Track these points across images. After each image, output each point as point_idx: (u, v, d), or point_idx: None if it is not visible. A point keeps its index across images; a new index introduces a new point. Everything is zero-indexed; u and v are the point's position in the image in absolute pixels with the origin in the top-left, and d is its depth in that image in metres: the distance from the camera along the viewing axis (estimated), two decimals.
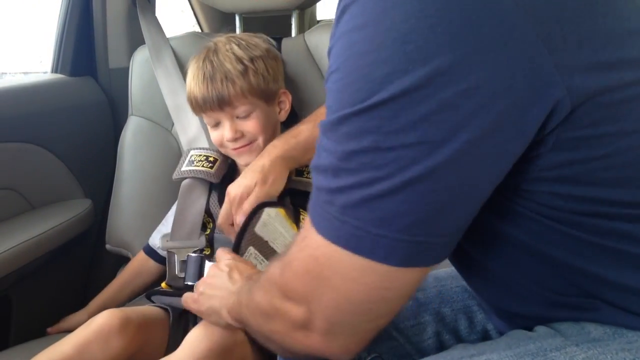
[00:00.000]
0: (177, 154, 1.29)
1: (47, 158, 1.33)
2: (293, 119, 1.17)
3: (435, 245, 0.49)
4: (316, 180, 0.51)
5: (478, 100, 0.44)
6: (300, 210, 1.05)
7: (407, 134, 0.45)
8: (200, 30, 1.88)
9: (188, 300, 0.88)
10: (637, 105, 0.48)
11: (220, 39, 1.12)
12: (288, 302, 0.54)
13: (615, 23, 0.48)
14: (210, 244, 1.13)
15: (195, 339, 0.89)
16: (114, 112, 1.49)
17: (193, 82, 1.10)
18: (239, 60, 1.07)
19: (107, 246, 1.32)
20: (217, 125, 1.09)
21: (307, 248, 0.51)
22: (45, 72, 1.50)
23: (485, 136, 0.45)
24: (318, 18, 2.13)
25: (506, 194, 0.51)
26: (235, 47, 1.09)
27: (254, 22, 1.47)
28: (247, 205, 0.97)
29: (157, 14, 1.46)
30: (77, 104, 1.42)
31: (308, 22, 1.98)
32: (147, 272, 1.22)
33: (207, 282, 0.84)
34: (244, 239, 0.98)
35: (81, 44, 1.45)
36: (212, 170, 1.15)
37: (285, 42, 1.32)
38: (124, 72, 1.40)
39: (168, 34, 1.41)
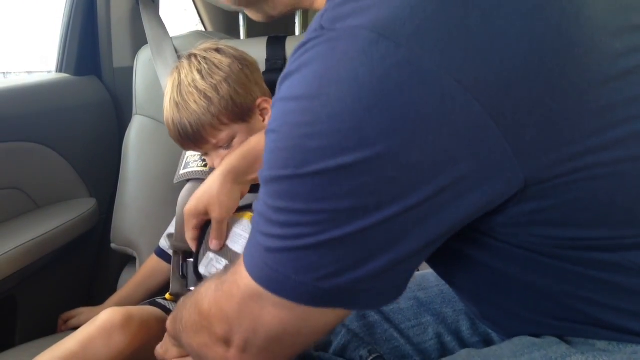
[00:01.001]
0: (181, 153, 1.29)
1: (52, 157, 1.34)
2: None
3: (361, 293, 0.49)
4: (253, 219, 0.52)
5: (416, 176, 0.44)
6: None
7: (341, 201, 0.45)
8: (203, 29, 1.89)
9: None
10: (609, 148, 0.46)
11: (184, 65, 1.08)
12: (212, 318, 0.56)
13: (576, 77, 0.45)
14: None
15: None
16: (119, 111, 1.49)
17: (166, 120, 1.09)
18: (202, 93, 1.04)
19: (112, 245, 1.33)
20: (205, 154, 1.10)
21: (236, 275, 0.53)
22: (50, 72, 1.50)
23: (420, 205, 0.45)
24: None
25: (482, 233, 0.51)
26: (197, 77, 1.06)
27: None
28: (215, 234, 1.00)
29: (161, 13, 1.46)
30: (82, 104, 1.42)
31: (311, 20, 1.98)
32: (160, 273, 1.22)
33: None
34: (202, 246, 1.02)
35: (85, 43, 1.45)
36: (207, 169, 1.15)
37: (289, 40, 1.31)
38: (128, 72, 1.41)
39: (172, 33, 1.41)
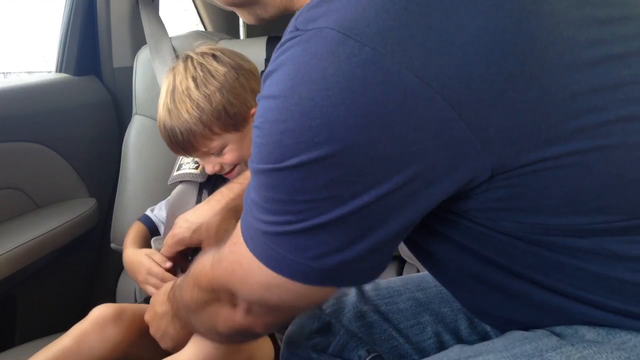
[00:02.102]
0: None
1: (52, 157, 1.34)
2: None
3: (349, 271, 0.54)
4: (245, 203, 0.57)
5: (387, 165, 0.47)
6: None
7: (319, 192, 0.49)
8: (203, 29, 1.89)
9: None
10: (574, 138, 0.48)
11: (179, 70, 1.08)
12: (218, 288, 0.61)
13: (537, 70, 0.47)
14: None
15: (202, 339, 0.90)
16: (118, 111, 1.49)
17: (159, 125, 1.09)
18: (194, 102, 1.04)
19: (112, 245, 1.33)
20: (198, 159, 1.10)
21: (235, 254, 0.58)
22: (50, 72, 1.51)
23: (393, 192, 0.48)
24: None
25: (459, 215, 0.54)
26: (192, 85, 1.05)
27: None
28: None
29: (160, 13, 1.46)
30: (81, 104, 1.42)
31: None
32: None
33: (150, 313, 0.89)
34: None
35: (85, 43, 1.45)
36: (197, 171, 1.16)
37: None
38: (128, 72, 1.41)
39: (172, 33, 1.41)
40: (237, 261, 0.58)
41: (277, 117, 0.49)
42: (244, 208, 0.57)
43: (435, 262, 0.59)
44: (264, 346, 0.99)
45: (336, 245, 0.51)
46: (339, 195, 0.49)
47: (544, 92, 0.47)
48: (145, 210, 1.22)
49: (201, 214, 1.01)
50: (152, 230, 1.17)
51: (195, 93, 1.04)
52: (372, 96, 0.45)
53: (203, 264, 0.65)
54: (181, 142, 1.05)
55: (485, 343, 0.58)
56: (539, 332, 0.55)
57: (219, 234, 0.99)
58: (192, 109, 1.03)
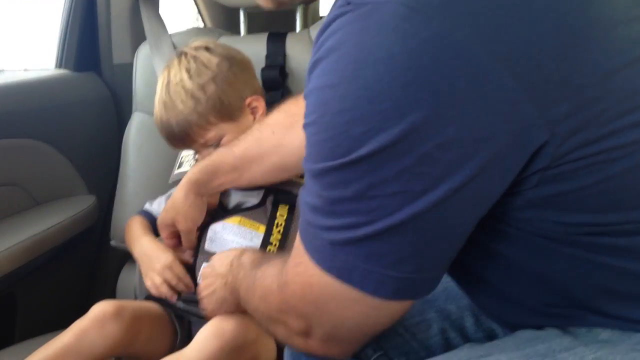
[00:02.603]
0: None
1: (51, 154, 1.33)
2: None
3: (422, 280, 0.51)
4: (305, 213, 0.53)
5: (457, 153, 0.45)
6: (280, 205, 1.06)
7: (389, 185, 0.46)
8: (203, 26, 1.88)
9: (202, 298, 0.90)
10: (627, 132, 0.47)
11: (174, 64, 1.09)
12: (287, 315, 0.57)
13: (600, 58, 0.46)
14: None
15: (206, 337, 0.90)
16: (118, 108, 1.48)
17: (155, 118, 1.10)
18: (189, 93, 1.04)
19: (112, 242, 1.32)
20: (195, 152, 1.10)
21: (302, 274, 0.54)
22: (46, 70, 1.49)
23: (466, 185, 0.46)
24: (321, 14, 2.12)
25: (496, 218, 0.52)
26: (185, 77, 1.06)
27: (258, 17, 1.46)
28: (184, 244, 1.04)
29: (161, 9, 1.45)
30: (81, 100, 1.41)
31: (311, 17, 1.97)
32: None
33: (205, 284, 0.88)
34: (198, 260, 1.05)
35: (85, 39, 1.44)
36: None
37: (289, 37, 1.31)
38: (128, 68, 1.40)
39: (172, 29, 1.40)
40: (306, 282, 0.53)
41: (340, 106, 0.45)
42: (302, 219, 0.53)
43: (454, 262, 0.56)
44: (268, 345, 0.98)
45: (411, 250, 0.48)
46: (409, 190, 0.46)
47: (607, 81, 0.45)
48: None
49: (172, 196, 1.03)
50: (154, 225, 1.17)
51: (189, 84, 1.05)
52: (443, 74, 0.43)
53: (271, 281, 0.60)
54: (178, 134, 1.06)
55: (495, 343, 0.57)
56: (551, 331, 0.54)
57: (185, 208, 0.99)
58: (187, 99, 1.04)
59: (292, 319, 0.57)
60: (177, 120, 1.05)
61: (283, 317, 0.58)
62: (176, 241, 1.05)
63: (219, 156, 0.98)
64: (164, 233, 1.05)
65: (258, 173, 0.95)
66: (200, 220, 1.03)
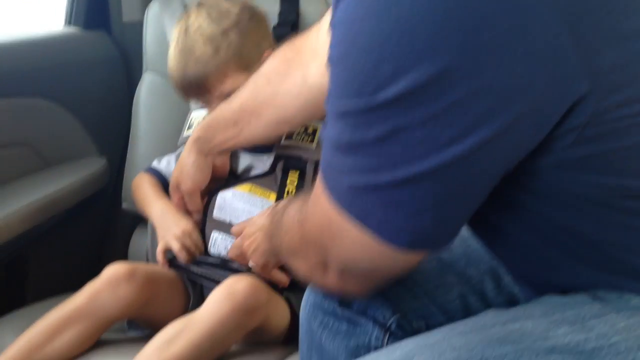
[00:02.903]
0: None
1: (62, 114, 1.31)
2: None
3: (440, 233, 0.50)
4: (326, 152, 0.51)
5: (491, 102, 0.42)
6: (290, 171, 1.04)
7: (414, 132, 0.43)
8: None
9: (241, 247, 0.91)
10: None
11: (193, 12, 1.06)
12: (306, 249, 0.57)
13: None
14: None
15: (218, 299, 0.89)
16: (128, 68, 1.46)
17: (170, 67, 1.06)
18: (209, 40, 1.01)
19: (124, 205, 1.31)
20: (209, 106, 1.07)
21: (321, 210, 0.53)
22: (56, 28, 1.47)
23: (496, 137, 0.43)
24: None
25: (525, 173, 0.49)
26: (205, 24, 1.03)
27: None
28: (189, 205, 1.02)
29: None
30: (90, 59, 1.39)
31: None
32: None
33: (249, 241, 0.88)
34: (206, 227, 1.04)
35: None
36: None
37: None
38: (138, 27, 1.36)
39: None
40: (324, 219, 0.52)
41: (369, 42, 0.42)
42: (323, 158, 0.51)
43: (482, 219, 0.54)
44: (280, 308, 0.98)
45: (431, 202, 0.46)
46: (436, 138, 0.43)
47: None
48: None
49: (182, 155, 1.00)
50: (164, 184, 1.15)
51: (208, 31, 1.02)
52: (484, 13, 0.40)
53: (292, 215, 0.60)
54: (193, 82, 1.02)
55: (520, 308, 0.55)
56: (580, 297, 0.52)
57: (190, 169, 0.98)
58: (206, 46, 1.01)
59: (311, 252, 0.56)
60: (195, 68, 1.02)
61: (303, 251, 0.58)
62: (185, 205, 1.04)
63: (218, 111, 0.95)
64: (174, 196, 1.03)
65: (259, 127, 0.90)
66: (204, 181, 1.01)
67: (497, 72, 0.41)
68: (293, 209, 0.61)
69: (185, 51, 1.03)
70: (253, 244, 0.86)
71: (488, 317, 0.54)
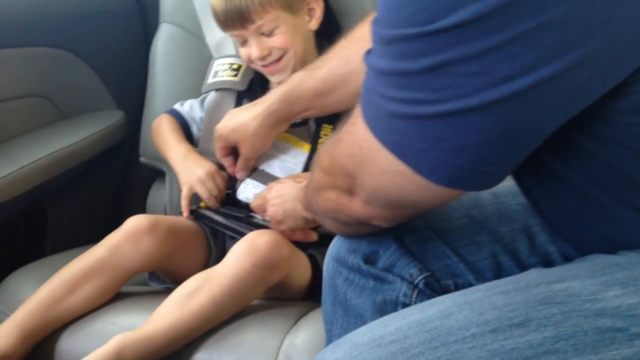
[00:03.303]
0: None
1: (78, 65, 1.29)
2: (333, 29, 1.10)
3: (482, 173, 0.47)
4: (368, 77, 0.49)
5: (561, 36, 0.39)
6: (324, 124, 1.04)
7: (468, 64, 0.41)
8: None
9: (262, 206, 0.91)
10: None
11: None
12: (334, 173, 0.56)
13: None
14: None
15: (240, 254, 0.89)
16: (145, 19, 1.42)
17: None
18: None
19: (142, 159, 1.30)
20: (244, 43, 1.04)
21: (354, 134, 0.51)
22: None
23: (560, 76, 0.40)
24: None
25: (594, 118, 0.46)
26: None
27: None
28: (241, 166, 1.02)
29: None
30: (106, 9, 1.36)
31: None
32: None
33: (275, 193, 0.88)
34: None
35: None
36: (237, 79, 1.11)
37: None
38: None
39: None
40: (355, 143, 0.51)
41: None
42: (365, 85, 0.49)
43: (532, 163, 0.51)
44: (301, 263, 0.97)
45: (476, 139, 0.43)
46: (491, 73, 0.40)
47: None
48: None
49: (242, 113, 0.99)
50: (183, 127, 1.14)
51: None
52: None
53: (327, 145, 0.59)
54: (238, 6, 0.99)
55: (567, 267, 0.52)
56: (631, 257, 0.50)
57: (255, 138, 0.96)
58: None
59: (339, 176, 0.55)
60: None
61: (332, 175, 0.56)
62: (226, 153, 1.03)
63: (299, 81, 0.92)
64: (219, 146, 1.02)
65: (344, 96, 0.86)
66: (265, 149, 1.02)
67: (575, 3, 0.37)
68: (325, 145, 0.60)
69: None
70: (276, 198, 0.85)
71: (531, 276, 0.52)
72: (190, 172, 1.04)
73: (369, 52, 0.49)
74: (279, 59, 1.03)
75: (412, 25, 0.42)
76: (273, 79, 1.07)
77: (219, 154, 1.04)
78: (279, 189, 0.88)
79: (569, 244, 0.57)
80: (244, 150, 1.00)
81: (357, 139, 0.50)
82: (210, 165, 1.04)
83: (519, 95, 0.41)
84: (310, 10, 1.05)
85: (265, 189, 0.95)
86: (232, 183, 1.05)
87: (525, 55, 0.39)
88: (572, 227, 0.56)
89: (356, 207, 0.55)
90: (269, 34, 1.01)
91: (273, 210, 0.88)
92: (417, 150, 0.45)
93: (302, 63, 1.03)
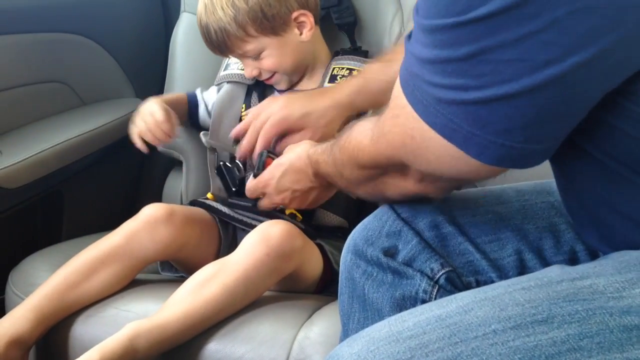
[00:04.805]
0: None
1: (98, 52, 1.29)
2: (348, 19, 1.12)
3: (530, 151, 0.48)
4: (411, 64, 0.50)
5: (595, 21, 0.40)
6: None
7: (506, 51, 0.43)
8: None
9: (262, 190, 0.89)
10: None
11: None
12: (384, 163, 0.59)
13: None
14: None
15: (253, 243, 0.88)
16: (165, 7, 1.42)
17: (197, 20, 1.05)
18: (230, 2, 0.98)
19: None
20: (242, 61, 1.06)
21: (403, 125, 0.53)
22: None
23: (598, 59, 0.41)
24: None
25: (625, 97, 0.46)
26: None
27: None
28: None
29: None
30: None
31: None
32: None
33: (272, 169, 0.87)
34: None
35: None
36: None
37: None
38: None
39: None
40: (406, 133, 0.52)
41: None
42: (409, 72, 0.50)
43: (572, 157, 0.52)
44: (314, 255, 0.96)
45: (522, 122, 0.45)
46: (529, 59, 0.42)
47: None
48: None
49: (310, 101, 0.96)
50: (190, 105, 1.16)
51: None
52: None
53: (359, 140, 0.61)
54: (215, 41, 1.02)
55: (590, 265, 0.51)
56: None
57: (326, 128, 0.94)
58: (227, 6, 0.99)
59: (389, 166, 0.58)
60: (215, 27, 1.01)
61: (375, 168, 0.59)
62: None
63: (373, 74, 0.92)
64: (277, 127, 0.96)
65: None
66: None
67: None
68: (357, 130, 0.62)
69: (208, 9, 1.01)
70: (294, 201, 0.86)
71: (554, 273, 0.50)
72: (137, 114, 1.05)
73: (409, 36, 0.50)
74: (271, 76, 1.05)
75: (449, 16, 0.43)
76: (276, 87, 1.09)
77: (269, 134, 0.97)
78: (269, 172, 0.87)
79: (597, 234, 0.56)
80: (309, 135, 0.95)
81: (405, 128, 0.52)
82: (153, 104, 1.03)
83: (558, 79, 0.42)
84: (300, 24, 1.03)
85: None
86: (234, 178, 1.03)
87: (561, 41, 0.40)
88: (601, 211, 0.54)
89: (410, 185, 0.59)
90: (256, 58, 1.03)
91: (279, 198, 0.87)
92: (466, 133, 0.47)
93: (299, 69, 1.06)
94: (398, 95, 0.52)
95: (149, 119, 1.02)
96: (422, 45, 0.48)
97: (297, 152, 0.84)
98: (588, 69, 0.42)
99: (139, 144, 1.04)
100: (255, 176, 0.92)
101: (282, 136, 0.97)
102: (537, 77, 0.42)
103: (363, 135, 0.61)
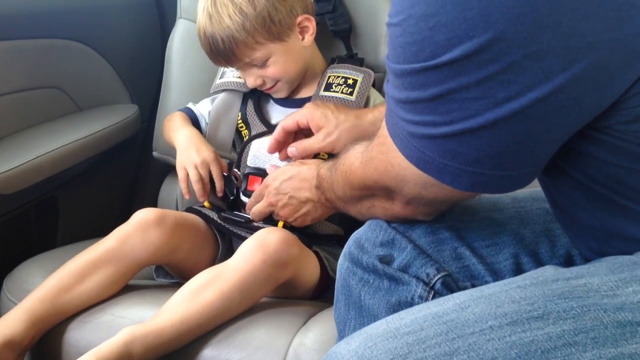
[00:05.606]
0: None
1: (94, 58, 1.29)
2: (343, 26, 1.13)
3: (501, 177, 0.50)
4: (389, 101, 0.53)
5: (549, 62, 0.42)
6: None
7: (470, 91, 0.46)
8: None
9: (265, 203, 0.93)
10: None
11: None
12: (372, 186, 0.62)
13: None
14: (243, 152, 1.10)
15: (250, 250, 0.88)
16: (161, 14, 1.43)
17: (197, 31, 1.04)
18: (238, 8, 0.97)
19: (154, 153, 1.29)
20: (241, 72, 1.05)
21: (385, 153, 0.57)
22: None
23: (553, 95, 0.44)
24: None
25: (598, 130, 0.48)
26: None
27: None
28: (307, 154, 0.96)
29: None
30: (124, 3, 1.37)
31: None
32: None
33: (272, 179, 0.91)
34: (240, 172, 1.05)
35: None
36: (242, 80, 1.10)
37: None
38: None
39: None
40: (388, 161, 0.56)
41: (425, 11, 0.45)
42: (387, 106, 0.54)
43: (556, 179, 0.55)
44: (311, 262, 0.96)
45: (489, 152, 0.48)
46: (492, 97, 0.45)
47: None
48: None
49: (342, 118, 0.95)
50: (193, 121, 1.15)
51: None
52: None
53: (351, 162, 0.65)
54: (222, 50, 1.00)
55: (585, 267, 0.52)
56: None
57: (346, 142, 0.89)
58: (235, 14, 0.98)
59: (376, 189, 0.62)
60: (222, 36, 0.99)
61: (366, 189, 0.63)
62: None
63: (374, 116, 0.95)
64: (296, 121, 0.96)
65: None
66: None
67: (556, 34, 0.41)
68: (351, 152, 0.65)
69: (214, 19, 0.99)
70: (295, 214, 0.90)
71: (548, 273, 0.51)
72: (189, 154, 1.04)
73: (387, 80, 0.54)
74: (274, 84, 1.05)
75: (416, 62, 0.47)
76: (275, 96, 1.09)
77: (282, 129, 0.97)
78: (275, 174, 0.89)
79: (587, 245, 0.58)
80: (326, 146, 0.93)
81: (388, 156, 0.56)
82: (209, 153, 1.04)
83: (519, 112, 0.45)
84: (303, 29, 1.03)
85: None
86: (232, 188, 1.05)
87: (519, 80, 0.44)
88: (590, 227, 0.56)
89: (398, 208, 0.62)
90: (262, 65, 1.02)
91: (285, 211, 0.89)
92: (438, 164, 0.51)
93: (301, 75, 1.07)
94: (385, 125, 0.56)
95: (204, 172, 1.03)
96: (394, 87, 0.51)
97: (310, 163, 0.87)
98: (545, 104, 0.45)
99: (184, 190, 1.05)
100: (242, 192, 0.95)
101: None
102: (499, 111, 0.45)
103: (354, 158, 0.64)
